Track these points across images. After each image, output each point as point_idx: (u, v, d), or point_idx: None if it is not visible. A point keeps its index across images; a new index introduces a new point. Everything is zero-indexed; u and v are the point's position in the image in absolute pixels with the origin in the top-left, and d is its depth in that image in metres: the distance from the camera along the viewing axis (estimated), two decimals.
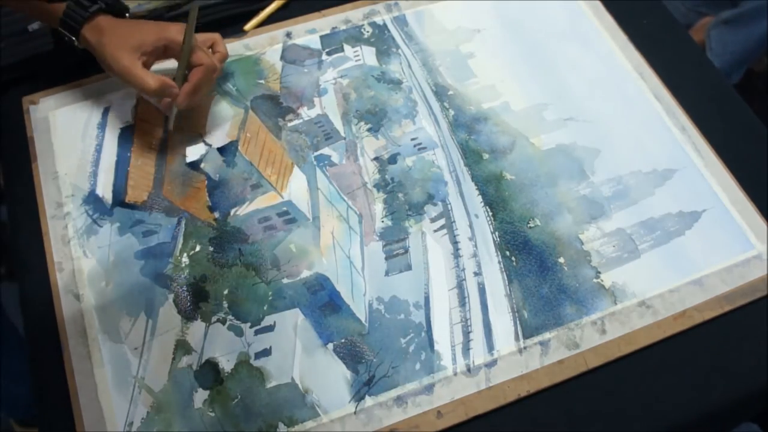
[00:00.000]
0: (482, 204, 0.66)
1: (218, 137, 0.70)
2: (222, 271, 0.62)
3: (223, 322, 0.59)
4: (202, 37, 0.69)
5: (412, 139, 0.70)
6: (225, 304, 0.60)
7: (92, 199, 0.66)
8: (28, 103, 0.72)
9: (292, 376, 0.57)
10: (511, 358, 0.58)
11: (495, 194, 0.67)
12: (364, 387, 0.56)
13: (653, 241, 0.64)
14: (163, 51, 0.66)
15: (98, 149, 0.69)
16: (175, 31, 0.65)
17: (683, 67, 0.76)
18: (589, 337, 0.59)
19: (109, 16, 0.65)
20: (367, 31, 0.78)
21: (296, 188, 0.67)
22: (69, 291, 0.61)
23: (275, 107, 0.72)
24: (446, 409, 0.55)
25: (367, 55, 0.76)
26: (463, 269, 0.62)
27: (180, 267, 0.62)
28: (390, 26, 0.79)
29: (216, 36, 0.70)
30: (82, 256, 0.63)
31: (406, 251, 0.63)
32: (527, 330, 0.59)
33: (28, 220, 0.65)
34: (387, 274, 0.62)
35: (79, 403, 0.55)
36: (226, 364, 0.57)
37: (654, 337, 0.59)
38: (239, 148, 0.69)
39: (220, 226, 0.64)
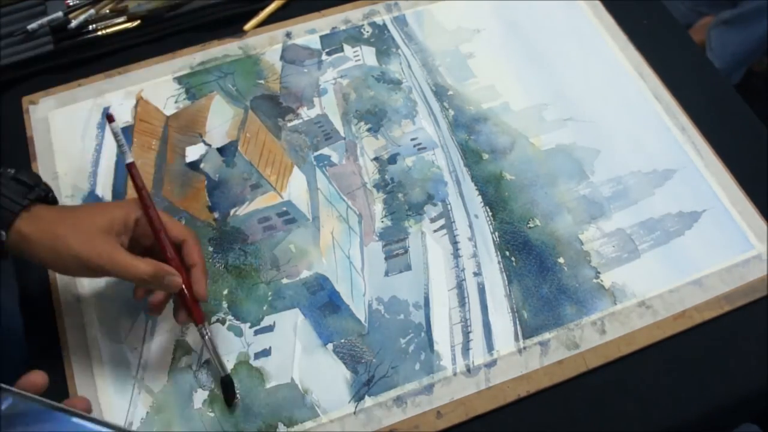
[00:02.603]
0: (482, 204, 0.66)
1: (218, 137, 0.70)
2: (221, 271, 0.62)
3: (222, 322, 0.59)
4: (171, 225, 0.55)
5: (412, 140, 0.70)
6: (224, 304, 0.60)
7: (92, 200, 0.66)
8: (28, 103, 0.72)
9: (291, 377, 0.57)
10: (510, 359, 0.58)
11: (495, 194, 0.66)
12: (363, 387, 0.56)
13: (653, 241, 0.64)
14: (133, 228, 0.53)
15: (98, 149, 0.69)
16: (136, 207, 0.53)
17: (683, 67, 0.76)
18: (589, 338, 0.59)
19: (45, 205, 0.53)
20: (367, 31, 0.78)
21: (296, 188, 0.67)
22: (69, 291, 0.61)
23: (275, 107, 0.72)
24: (446, 410, 0.55)
25: (367, 55, 0.76)
26: (463, 269, 0.62)
27: None
28: (390, 26, 0.79)
29: (186, 234, 0.55)
30: None
31: (406, 251, 0.63)
32: (527, 330, 0.59)
33: None
34: (387, 274, 0.62)
35: None
36: (226, 364, 0.57)
37: (654, 337, 0.59)
38: (239, 148, 0.69)
39: (219, 227, 0.64)
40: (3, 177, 0.51)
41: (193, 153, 0.69)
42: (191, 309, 0.54)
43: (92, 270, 0.51)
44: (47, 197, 0.54)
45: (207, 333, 0.55)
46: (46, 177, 0.67)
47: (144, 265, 0.50)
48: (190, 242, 0.54)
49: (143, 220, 0.53)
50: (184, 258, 0.54)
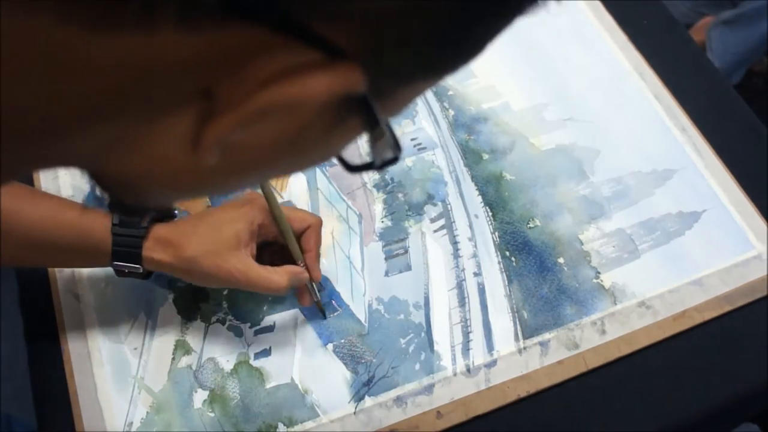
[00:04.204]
0: (482, 204, 0.66)
1: None
2: None
3: (222, 322, 0.59)
4: (295, 217, 0.56)
5: (412, 140, 0.70)
6: (225, 305, 0.60)
7: (92, 199, 0.66)
8: None
9: (291, 377, 0.57)
10: (510, 359, 0.58)
11: (495, 194, 0.66)
12: (363, 387, 0.56)
13: (653, 241, 0.64)
14: (258, 234, 0.54)
15: None
16: (258, 211, 0.54)
17: (683, 67, 0.76)
18: (589, 338, 0.59)
19: (165, 224, 0.53)
20: None
21: (296, 188, 0.67)
22: (69, 291, 0.61)
23: None
24: (446, 410, 0.55)
25: None
26: (463, 269, 0.62)
27: None
28: None
29: (310, 220, 0.56)
30: None
31: (406, 251, 0.63)
32: (527, 330, 0.59)
33: None
34: (387, 274, 0.62)
35: (78, 403, 0.55)
36: (226, 365, 0.57)
37: (654, 337, 0.59)
38: None
39: None
40: (113, 216, 0.51)
41: None
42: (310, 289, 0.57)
43: (229, 285, 0.53)
44: (167, 213, 0.54)
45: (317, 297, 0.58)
46: (46, 177, 0.67)
47: (278, 278, 0.51)
48: (310, 231, 0.56)
49: (266, 221, 0.54)
50: (302, 243, 0.55)
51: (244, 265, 0.51)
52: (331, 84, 0.18)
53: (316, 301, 0.58)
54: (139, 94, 0.18)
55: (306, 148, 0.23)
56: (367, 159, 0.25)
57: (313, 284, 0.57)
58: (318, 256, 0.56)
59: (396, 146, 0.23)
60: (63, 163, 0.22)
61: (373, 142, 0.23)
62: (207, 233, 0.51)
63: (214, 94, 0.19)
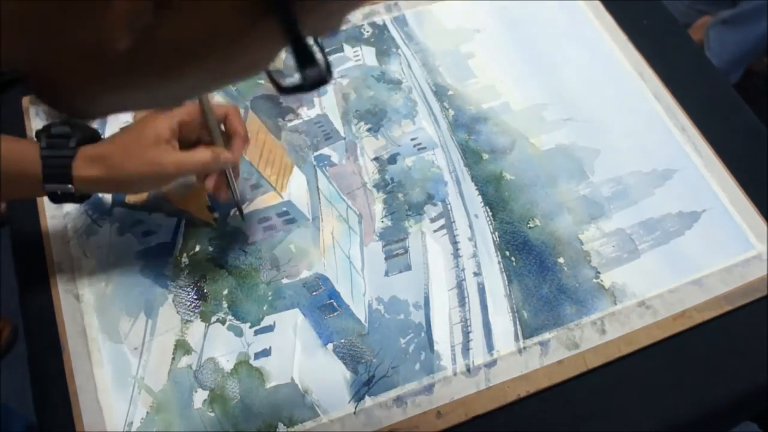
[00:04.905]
0: (482, 204, 0.66)
1: None
2: (221, 271, 0.62)
3: (222, 322, 0.59)
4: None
5: (412, 139, 0.70)
6: (225, 304, 0.60)
7: (92, 199, 0.66)
8: (28, 103, 0.72)
9: (291, 377, 0.57)
10: (510, 359, 0.58)
11: (495, 194, 0.66)
12: (363, 387, 0.56)
13: (653, 241, 0.64)
14: (178, 130, 0.56)
15: None
16: (176, 110, 0.56)
17: (683, 67, 0.76)
18: (589, 338, 0.59)
19: (91, 144, 0.55)
20: (367, 31, 0.78)
21: (296, 188, 0.67)
22: (69, 291, 0.61)
23: (275, 107, 0.72)
24: (446, 410, 0.55)
25: (367, 55, 0.76)
26: (463, 269, 0.62)
27: (180, 267, 0.62)
28: (390, 26, 0.79)
29: (228, 108, 0.58)
30: (82, 256, 0.62)
31: (406, 251, 0.63)
32: (527, 330, 0.59)
33: (28, 220, 0.65)
34: (387, 274, 0.62)
35: (78, 403, 0.55)
36: (226, 364, 0.57)
37: (654, 337, 0.59)
38: None
39: (219, 227, 0.64)
40: (41, 140, 0.53)
41: None
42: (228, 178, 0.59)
43: (161, 180, 0.56)
44: (92, 137, 0.56)
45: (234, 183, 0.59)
46: None
47: (201, 154, 0.55)
48: (231, 115, 0.58)
49: (186, 119, 0.56)
50: (227, 128, 0.58)
51: (168, 155, 0.54)
52: None
53: (234, 196, 0.59)
54: None
55: (224, 51, 0.23)
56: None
57: (232, 177, 0.58)
58: (246, 138, 0.58)
59: (327, 68, 0.23)
60: None
61: (299, 56, 0.23)
62: (130, 140, 0.54)
63: None
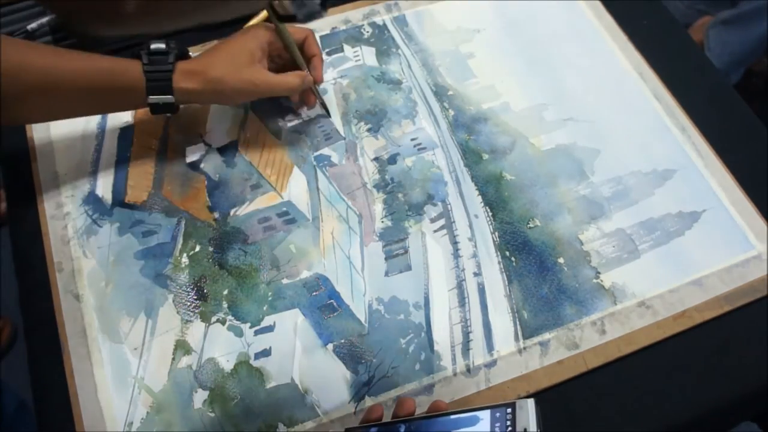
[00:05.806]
0: (482, 204, 0.66)
1: (218, 137, 0.70)
2: (221, 271, 0.62)
3: (222, 322, 0.59)
4: (293, 31, 0.66)
5: (412, 140, 0.70)
6: (225, 305, 0.60)
7: (92, 199, 0.66)
8: None
9: (291, 377, 0.57)
10: (510, 359, 0.58)
11: (495, 194, 0.67)
12: (363, 387, 0.56)
13: (653, 241, 0.64)
14: (267, 51, 0.64)
15: (98, 149, 0.69)
16: (263, 31, 0.63)
17: (683, 67, 0.76)
18: (589, 338, 0.59)
19: (186, 60, 0.61)
20: (367, 32, 0.78)
21: (296, 188, 0.67)
22: (69, 291, 0.61)
23: (275, 107, 0.72)
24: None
25: (367, 55, 0.76)
26: (463, 269, 0.62)
27: (180, 267, 0.62)
28: (390, 26, 0.79)
29: (305, 32, 0.66)
30: (82, 256, 0.62)
31: (406, 251, 0.63)
32: (527, 330, 0.59)
33: (28, 220, 0.65)
34: (387, 274, 0.62)
35: (78, 403, 0.55)
36: (226, 365, 0.57)
37: (654, 337, 0.59)
38: (239, 148, 0.69)
39: (219, 227, 0.64)
40: (142, 57, 0.59)
41: (193, 153, 0.69)
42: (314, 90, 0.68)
43: (252, 95, 0.64)
44: (184, 54, 0.62)
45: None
46: (46, 177, 0.67)
47: (291, 78, 0.63)
48: (309, 38, 0.66)
49: (272, 38, 0.63)
50: (305, 51, 0.66)
51: (262, 74, 0.61)
52: None
53: (320, 101, 0.69)
54: None
55: None
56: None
57: (317, 88, 0.68)
58: (322, 59, 0.67)
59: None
60: None
61: None
62: (225, 57, 0.60)
63: None
